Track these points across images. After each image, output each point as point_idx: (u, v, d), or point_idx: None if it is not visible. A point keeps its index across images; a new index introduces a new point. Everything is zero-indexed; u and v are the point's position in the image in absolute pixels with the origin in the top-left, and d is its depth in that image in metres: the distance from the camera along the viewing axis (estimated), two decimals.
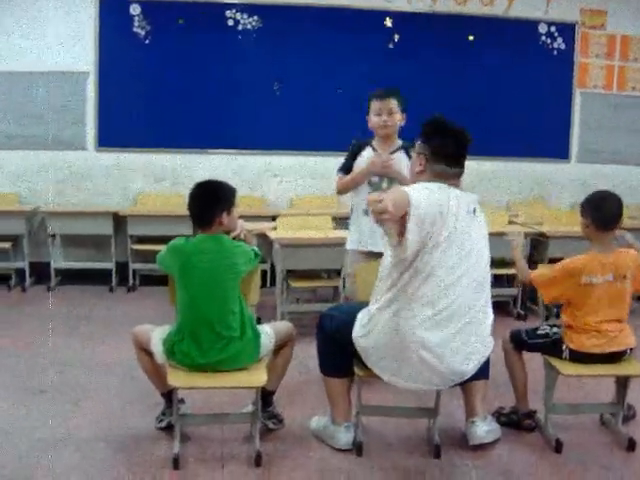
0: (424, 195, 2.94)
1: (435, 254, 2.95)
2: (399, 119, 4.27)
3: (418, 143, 3.25)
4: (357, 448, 3.38)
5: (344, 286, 4.44)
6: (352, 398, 3.49)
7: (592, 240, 3.55)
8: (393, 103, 4.24)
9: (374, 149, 4.34)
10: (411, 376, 3.09)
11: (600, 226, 3.50)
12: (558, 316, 3.65)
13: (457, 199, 3.07)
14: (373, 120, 4.27)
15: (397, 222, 2.84)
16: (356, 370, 3.31)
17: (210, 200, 3.36)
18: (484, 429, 3.45)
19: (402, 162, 4.21)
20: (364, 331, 3.16)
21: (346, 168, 4.40)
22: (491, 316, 3.21)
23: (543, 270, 3.73)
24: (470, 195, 3.18)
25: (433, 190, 3.03)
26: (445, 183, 3.13)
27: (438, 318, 2.99)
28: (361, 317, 3.21)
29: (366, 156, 4.32)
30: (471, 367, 3.14)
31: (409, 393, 3.38)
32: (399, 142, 4.35)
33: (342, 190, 4.48)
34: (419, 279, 2.97)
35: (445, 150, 3.16)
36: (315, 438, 3.55)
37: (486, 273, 3.17)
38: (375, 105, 4.25)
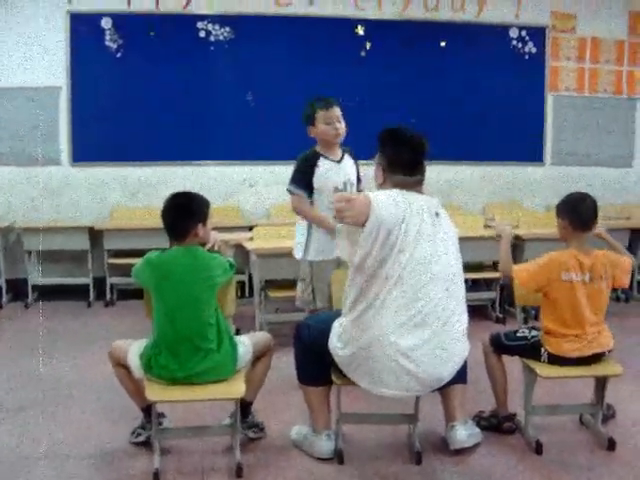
0: (385, 200, 2.98)
1: (401, 259, 2.96)
2: (344, 126, 4.34)
3: (377, 154, 3.26)
4: (338, 456, 3.37)
5: (314, 299, 4.39)
6: (331, 406, 3.49)
7: (569, 241, 3.58)
8: (338, 111, 4.32)
9: (325, 157, 4.36)
10: (390, 383, 3.08)
11: (578, 227, 3.54)
12: (536, 318, 3.66)
13: (419, 203, 3.08)
14: (324, 129, 4.30)
15: (358, 223, 2.91)
16: (334, 378, 3.30)
17: (184, 212, 3.35)
18: (464, 433, 3.45)
19: (350, 166, 4.43)
20: (340, 343, 3.15)
21: (304, 183, 4.36)
22: (465, 319, 3.20)
23: (525, 264, 3.73)
24: (431, 199, 3.17)
25: (394, 196, 3.04)
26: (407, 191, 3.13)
27: (412, 323, 2.99)
28: (336, 327, 3.20)
29: (323, 165, 4.34)
30: (449, 371, 3.14)
31: (388, 400, 3.38)
32: (340, 148, 4.44)
33: (300, 214, 4.46)
34: (388, 285, 2.97)
35: (400, 159, 3.16)
36: (296, 447, 3.53)
37: (455, 276, 3.14)
38: (323, 114, 4.29)
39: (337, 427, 3.46)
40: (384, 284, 2.98)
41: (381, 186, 3.23)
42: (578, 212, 3.55)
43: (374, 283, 3.00)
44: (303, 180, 4.37)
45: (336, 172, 4.33)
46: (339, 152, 4.42)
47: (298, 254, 4.46)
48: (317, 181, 4.34)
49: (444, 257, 3.09)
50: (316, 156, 4.37)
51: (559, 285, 3.50)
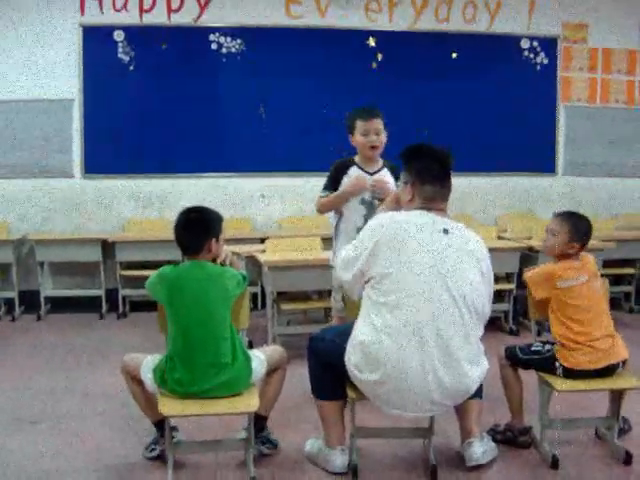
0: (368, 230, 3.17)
1: (404, 277, 3.01)
2: (384, 138, 4.26)
3: (402, 173, 3.28)
4: (352, 471, 3.34)
5: (345, 306, 4.36)
6: (346, 420, 3.47)
7: (565, 255, 3.66)
8: (379, 123, 4.23)
9: (359, 167, 4.32)
10: (415, 405, 3.09)
11: (584, 245, 3.68)
12: (550, 330, 3.65)
13: (420, 221, 3.11)
14: (360, 140, 4.23)
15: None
16: (349, 392, 3.28)
17: (198, 228, 3.35)
18: (480, 450, 3.41)
19: (389, 180, 4.26)
20: (359, 367, 3.11)
21: (331, 188, 4.34)
22: (474, 340, 3.16)
23: (531, 273, 3.78)
24: (444, 219, 3.17)
25: (379, 221, 3.18)
26: (433, 209, 3.16)
27: (425, 343, 3.00)
28: (352, 350, 3.16)
29: (353, 174, 4.30)
30: (470, 387, 3.14)
31: None
32: (381, 161, 4.36)
33: (322, 208, 4.43)
34: (391, 304, 3.01)
35: (430, 172, 3.17)
36: (310, 462, 3.52)
37: (468, 291, 3.10)
38: (362, 125, 4.21)
39: (352, 441, 3.43)
40: (392, 304, 3.01)
41: (409, 202, 3.23)
42: (589, 236, 3.70)
43: (381, 302, 3.04)
44: (330, 186, 4.35)
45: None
46: (377, 165, 4.34)
47: (331, 260, 4.44)
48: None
49: (452, 274, 3.06)
50: (349, 164, 4.33)
51: (558, 291, 3.55)
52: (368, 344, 3.05)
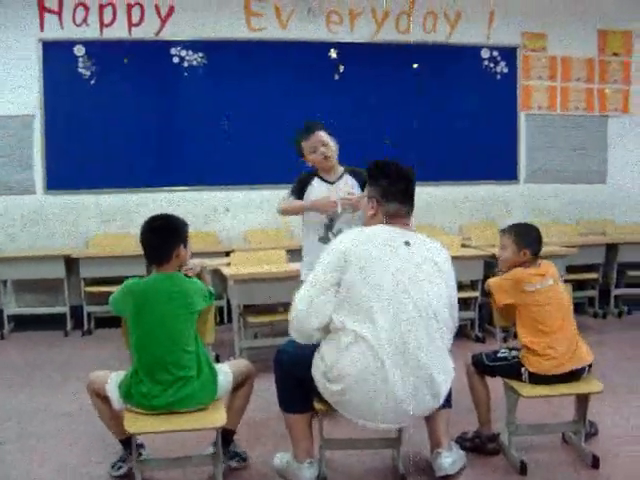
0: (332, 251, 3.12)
1: (370, 292, 3.01)
2: (334, 146, 4.30)
3: (367, 187, 3.30)
4: None
5: None
6: (314, 432, 3.46)
7: (522, 266, 3.72)
8: (321, 135, 4.26)
9: (321, 178, 4.36)
10: (383, 417, 3.09)
11: (537, 254, 3.74)
12: (516, 336, 3.69)
13: (382, 237, 3.13)
14: (312, 158, 4.29)
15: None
16: (317, 405, 3.28)
17: (165, 234, 3.34)
18: (449, 460, 3.41)
19: (349, 187, 4.31)
20: (328, 377, 3.11)
21: (298, 193, 4.39)
22: (449, 343, 3.22)
23: (497, 279, 3.83)
24: (407, 232, 3.21)
25: (339, 241, 3.17)
26: (396, 223, 3.19)
27: (394, 354, 3.00)
28: (319, 362, 3.16)
29: (316, 185, 4.34)
30: (441, 395, 3.16)
31: None
32: (341, 168, 4.39)
33: (286, 211, 4.49)
34: (359, 318, 3.01)
35: (396, 189, 3.21)
36: (279, 476, 3.49)
37: (434, 301, 3.12)
38: (306, 145, 4.26)
39: (321, 453, 3.43)
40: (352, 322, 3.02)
41: (371, 218, 3.26)
42: (539, 242, 3.75)
43: (346, 315, 3.04)
44: (296, 190, 4.40)
45: (326, 193, 4.29)
46: (337, 173, 4.38)
47: (302, 276, 4.45)
48: (306, 200, 4.34)
49: (414, 285, 3.08)
50: (311, 176, 4.39)
51: (526, 297, 3.60)
52: (335, 355, 3.05)
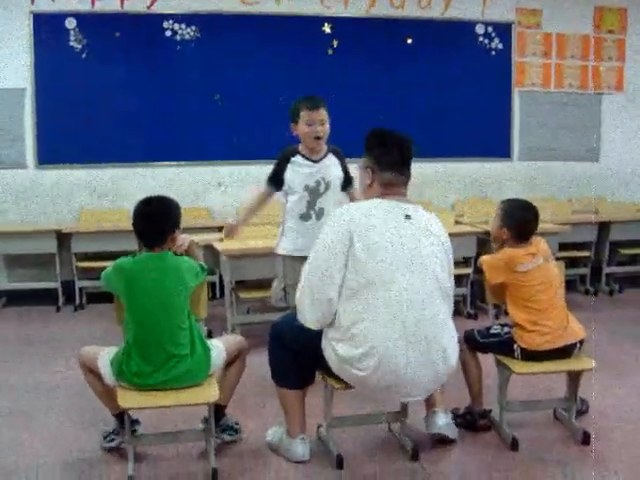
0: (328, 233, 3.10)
1: (375, 267, 3.00)
2: (328, 129, 4.29)
3: (363, 157, 3.27)
4: (338, 462, 3.31)
5: (285, 296, 4.38)
6: (321, 411, 3.46)
7: (510, 245, 3.70)
8: (323, 113, 4.25)
9: (303, 156, 4.35)
10: (413, 389, 3.12)
11: (520, 239, 3.68)
12: (507, 313, 3.70)
13: (387, 211, 3.11)
14: (304, 130, 4.25)
15: None
16: (331, 382, 3.25)
17: (162, 220, 3.31)
18: (444, 421, 3.49)
19: (332, 165, 4.38)
20: (350, 360, 3.07)
21: (275, 180, 4.41)
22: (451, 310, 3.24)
23: (489, 258, 3.81)
24: (404, 204, 3.18)
25: (337, 220, 3.12)
26: (392, 194, 3.17)
27: (407, 327, 3.00)
28: (331, 352, 3.13)
29: (296, 164, 4.34)
30: (454, 360, 3.20)
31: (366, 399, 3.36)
32: (325, 147, 4.38)
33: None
34: (368, 294, 3.00)
35: (390, 158, 3.18)
36: (272, 451, 3.51)
37: (439, 271, 3.12)
38: (307, 115, 4.22)
39: (329, 432, 3.45)
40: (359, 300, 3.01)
41: (368, 187, 3.24)
42: (522, 226, 3.68)
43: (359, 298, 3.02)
44: (274, 176, 4.43)
45: (310, 171, 4.30)
46: (322, 152, 4.36)
47: (276, 249, 4.46)
48: (288, 178, 4.35)
49: (419, 259, 3.07)
50: (293, 153, 4.37)
51: (517, 277, 3.59)
52: (351, 327, 3.03)
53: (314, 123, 4.22)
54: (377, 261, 2.99)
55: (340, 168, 4.41)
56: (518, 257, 3.61)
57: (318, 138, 4.25)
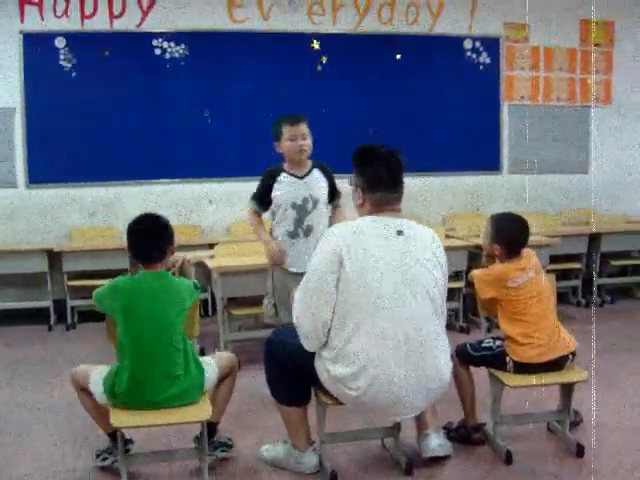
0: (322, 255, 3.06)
1: (369, 285, 2.99)
2: (310, 143, 4.31)
3: (352, 176, 3.25)
4: (332, 477, 3.30)
5: (276, 312, 4.39)
6: (314, 427, 3.44)
7: (502, 261, 3.70)
8: (305, 128, 4.28)
9: (288, 173, 4.36)
10: (403, 408, 3.11)
11: (512, 254, 3.67)
12: (499, 327, 3.70)
13: (379, 228, 3.10)
14: (288, 145, 4.27)
15: None
16: (323, 399, 3.24)
17: (158, 236, 3.32)
18: (437, 442, 3.46)
19: (319, 181, 4.38)
20: (342, 379, 3.06)
21: (261, 198, 4.41)
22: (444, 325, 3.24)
23: (479, 273, 3.81)
24: (397, 220, 3.16)
25: (330, 241, 3.08)
26: (384, 211, 3.15)
27: (400, 345, 3.00)
28: (323, 371, 3.14)
29: (283, 182, 4.34)
30: (447, 378, 3.20)
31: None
32: (309, 162, 4.39)
33: (251, 226, 4.59)
34: (361, 313, 2.99)
35: (378, 179, 3.14)
36: (271, 466, 3.49)
37: (431, 287, 3.10)
38: (289, 130, 4.25)
39: (322, 448, 3.42)
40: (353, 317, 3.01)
41: (361, 206, 3.22)
42: (513, 241, 3.68)
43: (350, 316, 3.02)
44: (259, 194, 4.43)
45: (296, 188, 4.31)
46: (306, 168, 4.38)
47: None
48: (275, 196, 4.35)
49: (411, 274, 3.06)
50: (278, 171, 4.37)
51: (508, 292, 3.59)
52: (343, 347, 3.03)
53: (296, 138, 4.24)
54: (367, 280, 2.98)
55: (327, 183, 4.42)
56: (509, 272, 3.61)
57: (302, 151, 4.26)
